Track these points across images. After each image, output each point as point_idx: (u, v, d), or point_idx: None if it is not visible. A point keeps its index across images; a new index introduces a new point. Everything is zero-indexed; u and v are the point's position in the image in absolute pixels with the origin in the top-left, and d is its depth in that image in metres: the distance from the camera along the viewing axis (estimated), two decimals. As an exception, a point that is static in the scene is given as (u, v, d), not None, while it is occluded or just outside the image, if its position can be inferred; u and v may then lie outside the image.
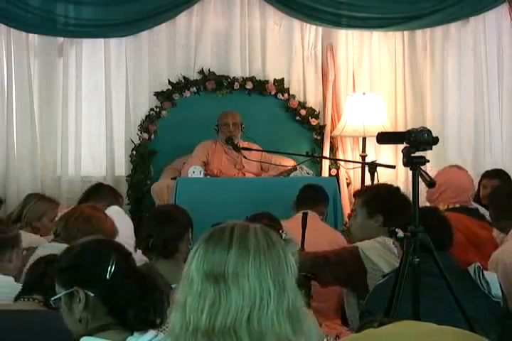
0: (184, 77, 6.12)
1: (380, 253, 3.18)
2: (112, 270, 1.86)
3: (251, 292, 1.39)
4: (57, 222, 3.61)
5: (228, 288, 1.39)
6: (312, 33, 6.27)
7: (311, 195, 4.49)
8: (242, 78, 6.15)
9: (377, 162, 5.65)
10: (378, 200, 3.38)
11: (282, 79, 6.21)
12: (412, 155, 2.60)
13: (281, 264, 1.44)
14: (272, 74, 6.22)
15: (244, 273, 1.40)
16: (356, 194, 3.61)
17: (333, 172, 6.14)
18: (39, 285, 2.63)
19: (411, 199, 2.63)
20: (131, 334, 1.84)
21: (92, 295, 1.85)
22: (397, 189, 3.53)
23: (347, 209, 5.93)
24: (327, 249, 3.94)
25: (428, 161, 2.67)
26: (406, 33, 6.34)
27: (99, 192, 4.60)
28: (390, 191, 3.48)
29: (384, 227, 3.20)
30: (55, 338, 2.40)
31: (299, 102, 6.22)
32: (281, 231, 1.72)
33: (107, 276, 1.86)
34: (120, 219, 4.06)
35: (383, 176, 5.74)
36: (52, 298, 1.91)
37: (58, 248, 3.46)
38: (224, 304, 1.38)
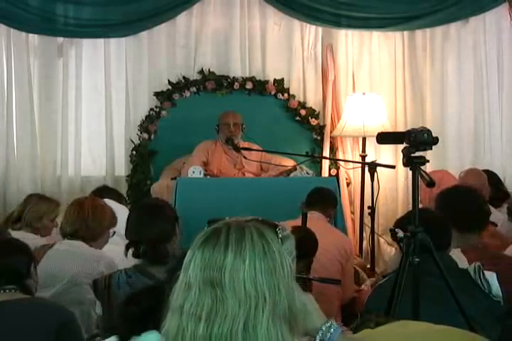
0: (184, 77, 6.12)
1: None
2: None
3: (246, 299, 1.42)
4: (72, 221, 3.59)
5: (225, 295, 1.42)
6: (312, 33, 6.28)
7: (321, 197, 4.47)
8: (242, 78, 6.15)
9: (377, 162, 5.66)
10: None
11: (282, 79, 6.21)
12: (412, 155, 2.60)
13: (277, 268, 1.46)
14: (271, 74, 6.22)
15: (240, 280, 1.42)
16: None
17: (333, 172, 6.14)
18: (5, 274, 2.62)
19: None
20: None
21: None
22: None
23: (347, 209, 5.94)
24: (332, 251, 3.95)
25: (428, 161, 2.67)
26: (406, 33, 6.34)
27: (104, 194, 4.59)
28: None
29: None
30: (44, 322, 2.51)
31: (299, 102, 6.22)
32: (278, 228, 1.71)
33: None
34: (120, 212, 4.06)
35: (383, 176, 5.75)
36: None
37: (73, 244, 3.48)
38: (221, 312, 1.41)
